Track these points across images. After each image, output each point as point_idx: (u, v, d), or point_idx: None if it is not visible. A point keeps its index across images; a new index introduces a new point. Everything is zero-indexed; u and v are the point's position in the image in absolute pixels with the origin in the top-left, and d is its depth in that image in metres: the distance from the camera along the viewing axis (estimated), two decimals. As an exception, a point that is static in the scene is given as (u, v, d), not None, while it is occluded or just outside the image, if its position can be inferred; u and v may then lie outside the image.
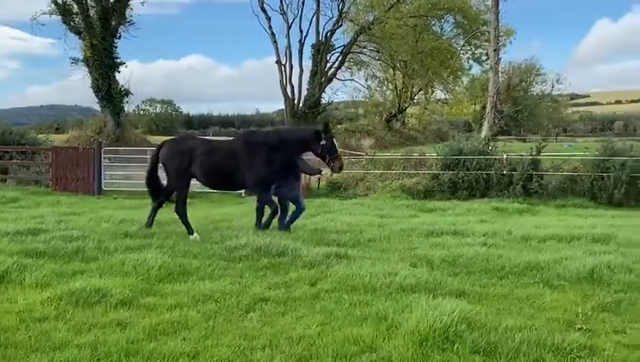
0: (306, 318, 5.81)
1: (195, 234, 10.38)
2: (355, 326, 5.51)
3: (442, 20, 42.45)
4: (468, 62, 45.32)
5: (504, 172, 18.70)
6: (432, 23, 41.41)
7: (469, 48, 43.92)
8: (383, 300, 6.31)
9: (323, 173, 11.67)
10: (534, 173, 18.40)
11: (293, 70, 32.04)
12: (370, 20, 34.42)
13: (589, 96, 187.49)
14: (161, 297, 6.52)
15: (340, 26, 33.75)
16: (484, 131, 22.69)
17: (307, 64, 33.27)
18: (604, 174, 17.56)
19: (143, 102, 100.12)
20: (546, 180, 18.26)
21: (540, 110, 71.91)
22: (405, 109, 46.81)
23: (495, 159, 19.06)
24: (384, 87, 45.51)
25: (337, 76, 35.09)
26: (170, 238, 9.79)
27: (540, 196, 17.85)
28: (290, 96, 31.83)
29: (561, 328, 5.64)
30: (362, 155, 24.73)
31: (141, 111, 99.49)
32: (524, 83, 71.50)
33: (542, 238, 10.29)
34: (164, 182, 11.13)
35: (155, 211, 11.05)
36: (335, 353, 4.91)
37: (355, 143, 34.03)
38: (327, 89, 34.32)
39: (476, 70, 47.74)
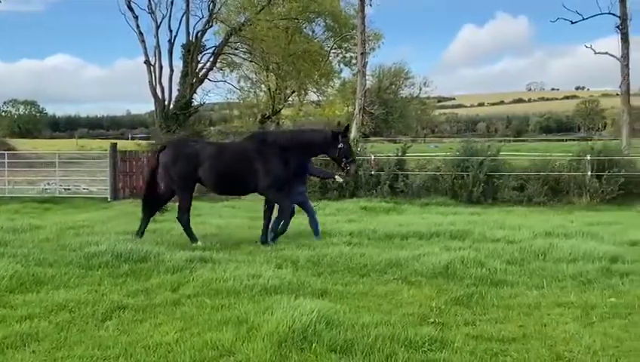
0: (165, 325, 5.67)
1: (198, 241, 9.93)
2: (216, 330, 5.46)
3: (313, 23, 43.14)
4: (339, 65, 46.32)
5: (372, 172, 19.23)
6: (304, 25, 41.89)
7: (339, 51, 44.92)
8: (245, 303, 6.29)
9: (336, 177, 11.38)
10: (400, 173, 19.08)
11: (163, 70, 31.18)
12: (242, 22, 34.27)
13: (454, 98, 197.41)
14: (11, 308, 6.17)
15: (211, 26, 33.26)
16: (353, 132, 23.20)
17: (178, 64, 32.56)
18: (464, 173, 18.49)
19: (4, 103, 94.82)
20: (411, 180, 18.98)
21: (409, 112, 74.88)
22: (279, 111, 46.99)
23: (363, 160, 19.54)
24: (257, 89, 45.48)
25: (209, 77, 34.62)
26: (25, 246, 9.26)
27: (406, 195, 18.52)
28: (160, 97, 30.94)
29: (416, 322, 5.87)
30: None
31: (2, 113, 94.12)
32: (393, 86, 74.22)
33: (404, 236, 10.69)
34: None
35: (147, 221, 10.52)
36: (193, 359, 4.84)
37: (229, 145, 33.65)
38: (199, 90, 33.80)
39: (347, 73, 48.88)
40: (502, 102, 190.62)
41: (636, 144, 23.82)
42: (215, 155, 10.16)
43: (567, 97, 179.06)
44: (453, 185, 18.57)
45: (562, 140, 75.73)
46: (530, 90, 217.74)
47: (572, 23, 23.27)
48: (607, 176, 17.71)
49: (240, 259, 8.56)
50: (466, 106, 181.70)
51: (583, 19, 23.23)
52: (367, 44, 31.23)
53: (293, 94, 47.32)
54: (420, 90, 76.59)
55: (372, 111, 45.74)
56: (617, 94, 24.00)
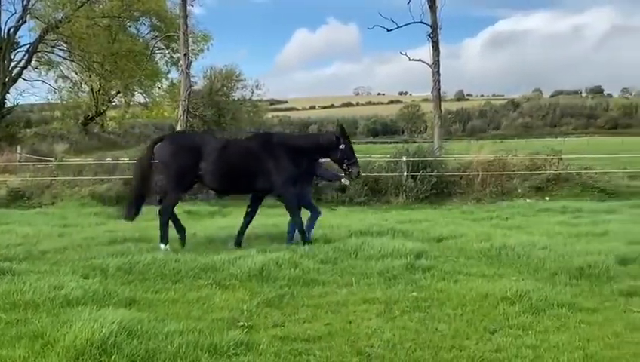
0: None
1: (167, 246, 9.45)
2: (8, 347, 5.04)
3: (138, 22, 41.80)
4: (167, 65, 45.23)
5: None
6: (128, 24, 40.48)
7: (167, 52, 43.90)
8: (43, 316, 5.85)
9: (343, 180, 11.07)
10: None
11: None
12: (59, 18, 32.41)
13: (287, 101, 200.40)
14: None
15: (25, 22, 31.17)
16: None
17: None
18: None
19: None
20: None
21: (241, 114, 74.68)
22: (104, 112, 45.04)
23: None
24: (77, 89, 43.15)
25: (23, 76, 32.40)
26: None
27: (232, 198, 18.39)
28: (-33, 97, 28.47)
29: (224, 327, 5.79)
30: (50, 161, 23.03)
31: None
32: (225, 88, 73.78)
33: (224, 239, 10.58)
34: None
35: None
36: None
37: (47, 148, 31.78)
38: (12, 90, 31.52)
39: (176, 74, 47.83)
40: (332, 106, 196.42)
41: (448, 146, 25.54)
42: (221, 150, 9.67)
43: (391, 102, 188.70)
44: (279, 187, 18.71)
45: (387, 142, 79.52)
46: (357, 94, 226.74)
47: (388, 30, 24.45)
48: (421, 176, 18.82)
49: (43, 269, 7.97)
50: (298, 109, 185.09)
51: (398, 27, 24.50)
52: (194, 45, 30.82)
53: (119, 95, 45.54)
54: (253, 92, 76.76)
55: (203, 113, 45.18)
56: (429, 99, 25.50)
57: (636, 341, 5.51)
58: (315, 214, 10.53)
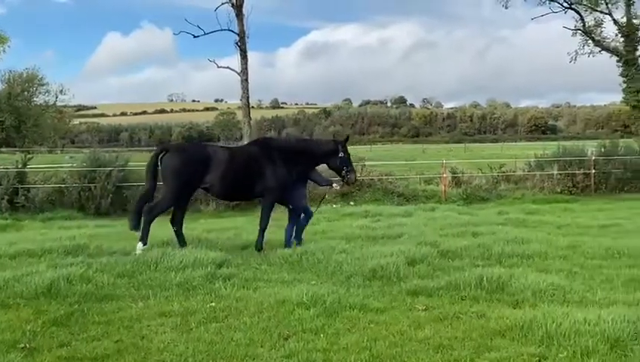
0: None
1: (144, 246, 9.70)
2: None
3: None
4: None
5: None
6: None
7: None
8: None
9: (334, 184, 11.42)
10: (20, 186, 17.62)
11: None
12: None
13: (95, 107, 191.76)
14: None
15: None
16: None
17: None
18: (92, 185, 17.86)
19: None
20: (33, 193, 17.64)
21: (44, 121, 70.05)
22: None
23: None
24: None
25: None
26: None
27: (28, 210, 17.18)
28: None
29: (3, 350, 5.33)
30: None
31: None
32: (26, 93, 68.81)
33: (13, 255, 9.79)
34: None
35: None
36: None
37: None
38: None
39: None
40: (145, 112, 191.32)
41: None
42: (228, 161, 9.99)
43: (207, 109, 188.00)
44: (80, 197, 17.79)
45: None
46: (172, 100, 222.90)
47: (194, 37, 24.15)
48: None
49: None
50: (108, 115, 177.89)
51: (205, 33, 24.27)
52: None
53: None
54: (57, 97, 72.29)
55: (1, 119, 41.72)
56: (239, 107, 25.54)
57: (419, 338, 5.84)
58: (308, 216, 10.90)
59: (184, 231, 10.51)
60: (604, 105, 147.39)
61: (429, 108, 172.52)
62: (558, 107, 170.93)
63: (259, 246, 10.27)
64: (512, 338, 5.70)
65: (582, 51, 33.97)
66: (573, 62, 34.30)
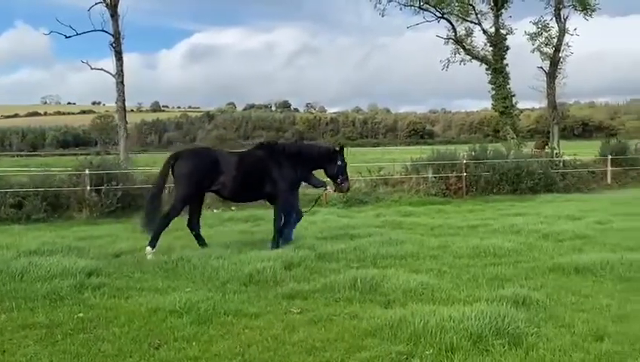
0: None
1: (154, 250, 9.97)
2: None
3: None
4: None
5: None
6: None
7: None
8: None
9: (328, 188, 11.91)
10: None
11: None
12: None
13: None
14: None
15: None
16: None
17: None
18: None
19: None
20: None
21: None
22: None
23: None
24: None
25: None
26: None
27: None
28: None
29: None
30: None
31: None
32: None
33: None
34: None
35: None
36: None
37: None
38: None
39: None
40: (17, 115, 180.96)
41: (136, 157, 25.07)
42: (238, 164, 10.52)
43: (83, 112, 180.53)
44: None
45: (78, 154, 75.51)
46: (45, 103, 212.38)
47: (66, 37, 23.20)
48: (106, 189, 18.11)
49: None
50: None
51: (77, 34, 23.36)
52: None
53: None
54: None
55: None
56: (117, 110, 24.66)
57: (292, 341, 5.87)
58: (297, 218, 11.48)
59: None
60: (477, 111, 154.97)
61: (312, 113, 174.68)
62: (434, 113, 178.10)
63: (276, 245, 10.72)
64: (382, 338, 5.85)
65: (454, 59, 35.70)
66: (445, 69, 35.95)
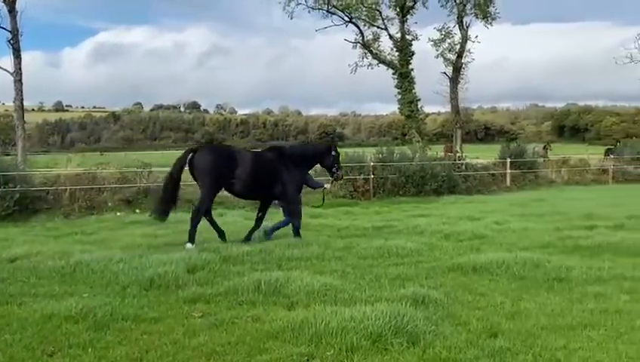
0: None
1: (193, 246, 10.69)
2: None
3: None
4: None
5: None
6: None
7: None
8: None
9: (326, 186, 13.09)
10: None
11: None
12: None
13: None
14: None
15: None
16: None
17: None
18: None
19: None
20: None
21: None
22: None
23: None
24: None
25: None
26: None
27: None
28: None
29: None
30: None
31: None
32: None
33: None
34: None
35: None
36: None
37: None
38: None
39: None
40: None
41: (35, 159, 24.04)
42: (252, 161, 11.35)
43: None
44: None
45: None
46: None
47: (-41, 33, 21.94)
48: (2, 192, 17.28)
49: None
50: None
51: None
52: None
53: None
54: None
55: None
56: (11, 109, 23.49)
57: (192, 345, 5.77)
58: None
59: None
60: (386, 115, 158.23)
61: (222, 114, 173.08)
62: (345, 115, 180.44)
63: (298, 235, 11.85)
64: (283, 340, 5.84)
65: (361, 63, 36.25)
66: (354, 73, 36.48)
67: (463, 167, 27.47)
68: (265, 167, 11.55)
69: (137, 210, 18.73)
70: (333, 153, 12.29)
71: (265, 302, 7.27)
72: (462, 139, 37.53)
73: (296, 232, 11.97)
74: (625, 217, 14.43)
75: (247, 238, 11.84)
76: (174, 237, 12.40)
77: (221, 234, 11.77)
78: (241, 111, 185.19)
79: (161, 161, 41.20)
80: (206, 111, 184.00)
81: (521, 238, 12.05)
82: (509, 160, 28.33)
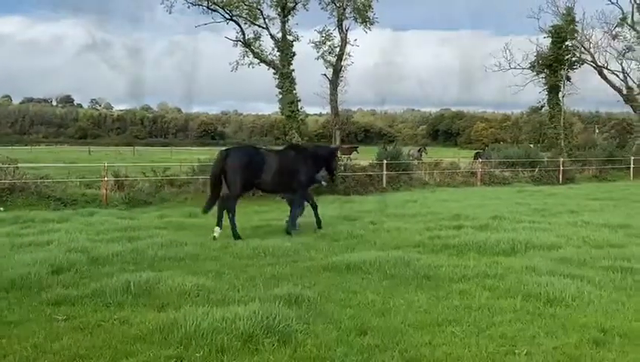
0: None
1: (220, 230, 12.39)
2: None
3: None
4: None
5: None
6: None
7: None
8: None
9: (323, 182, 14.44)
10: None
11: None
12: None
13: None
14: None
15: None
16: None
17: None
18: None
19: None
20: None
21: None
22: None
23: None
24: None
25: None
26: None
27: None
28: None
29: None
30: None
31: None
32: None
33: None
34: None
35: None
36: None
37: None
38: None
39: None
40: None
41: None
42: (278, 161, 12.88)
43: None
44: None
45: None
46: None
47: None
48: None
49: None
50: None
51: None
52: None
53: None
54: None
55: None
56: None
57: (54, 349, 5.51)
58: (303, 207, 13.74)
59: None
60: (269, 115, 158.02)
61: (98, 110, 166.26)
62: (226, 114, 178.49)
63: (293, 228, 13.17)
64: (152, 342, 5.70)
65: (242, 62, 35.97)
66: (234, 71, 36.16)
67: (342, 168, 27.93)
68: (290, 165, 13.09)
69: (2, 208, 17.60)
70: (337, 158, 14.40)
71: (134, 304, 7.05)
72: (341, 141, 38.13)
73: (293, 222, 13.24)
74: (489, 218, 15.18)
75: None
76: (39, 237, 11.76)
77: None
78: (118, 107, 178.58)
79: (29, 157, 39.14)
80: (80, 105, 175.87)
81: (393, 238, 12.40)
82: (385, 162, 29.10)
